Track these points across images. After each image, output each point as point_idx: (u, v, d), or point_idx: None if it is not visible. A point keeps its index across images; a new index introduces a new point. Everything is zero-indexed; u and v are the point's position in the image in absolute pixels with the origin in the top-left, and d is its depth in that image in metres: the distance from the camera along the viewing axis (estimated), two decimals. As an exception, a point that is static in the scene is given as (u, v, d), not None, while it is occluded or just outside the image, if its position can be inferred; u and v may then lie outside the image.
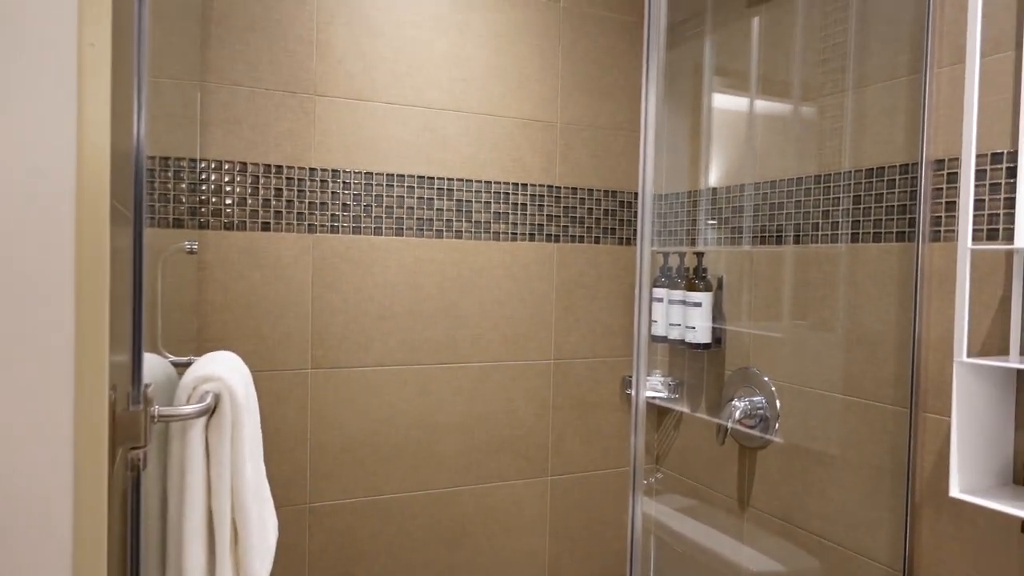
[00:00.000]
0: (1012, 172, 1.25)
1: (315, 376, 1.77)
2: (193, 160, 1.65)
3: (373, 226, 1.82)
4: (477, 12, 1.90)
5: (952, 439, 1.21)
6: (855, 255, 1.55)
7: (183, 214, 1.64)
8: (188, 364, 1.30)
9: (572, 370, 2.08)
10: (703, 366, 2.03)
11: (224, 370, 1.09)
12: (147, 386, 0.86)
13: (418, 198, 1.86)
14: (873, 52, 1.51)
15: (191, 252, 1.42)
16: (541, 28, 1.98)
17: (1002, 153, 1.27)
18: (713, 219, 1.99)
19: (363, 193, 1.80)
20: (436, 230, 1.89)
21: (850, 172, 1.56)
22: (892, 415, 1.47)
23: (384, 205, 1.83)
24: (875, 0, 1.51)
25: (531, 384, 2.02)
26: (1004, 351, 1.26)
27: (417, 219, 1.86)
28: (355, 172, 1.80)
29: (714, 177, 1.98)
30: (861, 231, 1.54)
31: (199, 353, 1.63)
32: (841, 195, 1.58)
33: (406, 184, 1.85)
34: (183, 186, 1.65)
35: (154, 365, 1.10)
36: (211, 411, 1.05)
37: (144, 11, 0.80)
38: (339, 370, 1.79)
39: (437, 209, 1.89)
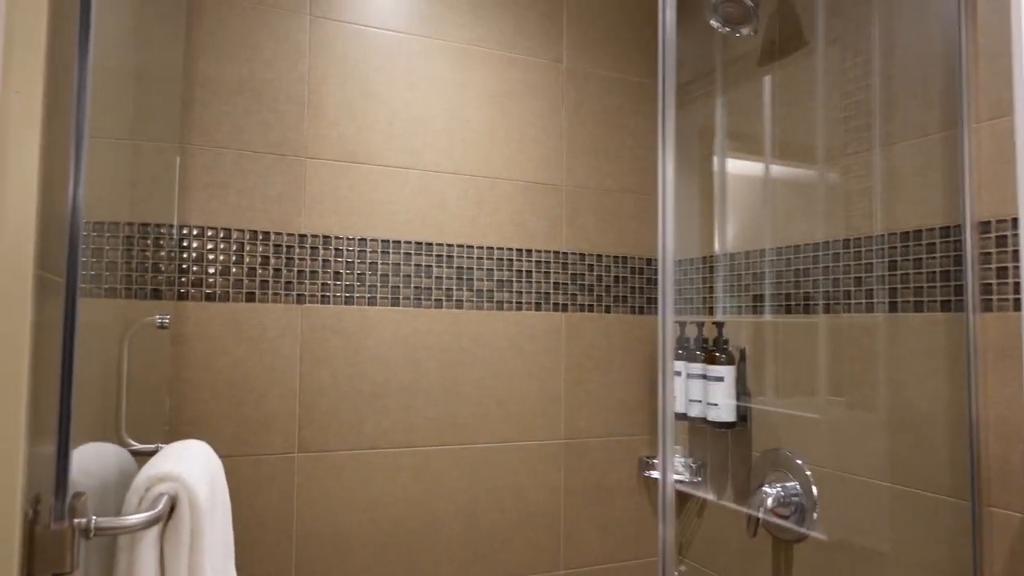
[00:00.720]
0: (1074, 234, 1.12)
1: (302, 461, 1.61)
2: (173, 226, 1.53)
3: (367, 296, 1.69)
4: (476, 72, 1.82)
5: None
6: (895, 326, 1.41)
7: (161, 284, 1.52)
8: (154, 452, 1.15)
9: (585, 451, 1.91)
10: (727, 447, 1.86)
11: (184, 468, 0.93)
12: (78, 495, 0.71)
13: (415, 265, 1.74)
14: (900, 108, 1.41)
15: (162, 327, 1.29)
16: (543, 88, 1.90)
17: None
18: (732, 286, 1.85)
19: (356, 261, 1.68)
20: (435, 299, 1.76)
21: (883, 236, 1.44)
22: (951, 508, 1.29)
23: (379, 273, 1.70)
24: (899, 55, 1.41)
25: (540, 466, 1.85)
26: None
27: (414, 288, 1.74)
28: (348, 238, 1.68)
29: (731, 242, 1.86)
30: (900, 299, 1.40)
31: (171, 439, 1.47)
32: (874, 260, 1.45)
33: (402, 251, 1.73)
34: (162, 254, 1.53)
35: (107, 459, 0.95)
36: (166, 518, 0.90)
37: (87, 60, 0.69)
38: (328, 454, 1.63)
39: (436, 277, 1.76)
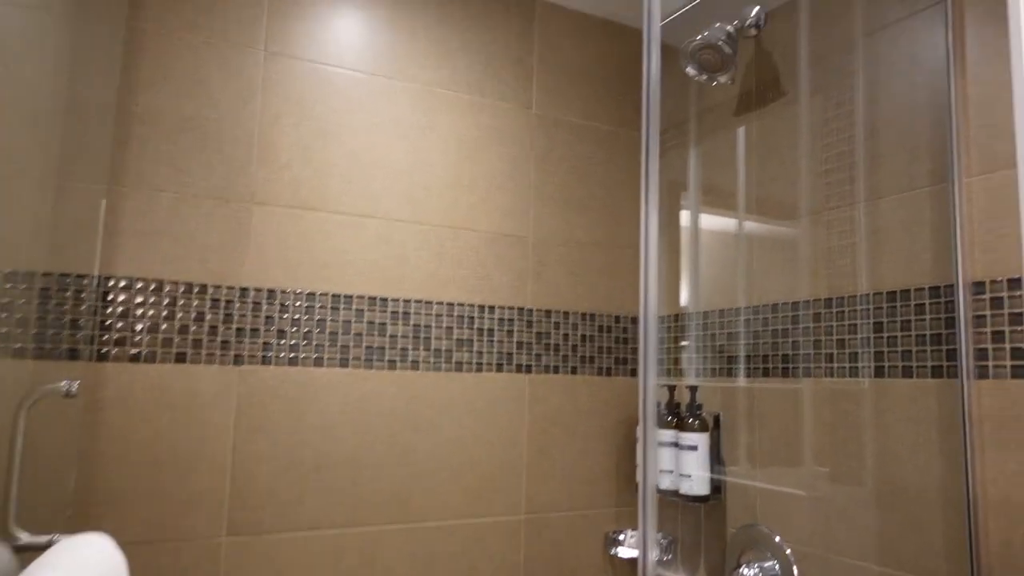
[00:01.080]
0: (1075, 297, 1.05)
1: (231, 546, 1.42)
2: (95, 277, 1.37)
3: (313, 356, 1.54)
4: (441, 116, 1.73)
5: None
6: (882, 392, 1.32)
7: (79, 342, 1.35)
8: (47, 546, 0.97)
9: (547, 527, 1.76)
10: (700, 522, 1.73)
11: None
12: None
13: (368, 323, 1.60)
14: (885, 161, 1.35)
15: (68, 395, 1.12)
16: (511, 135, 1.81)
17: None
18: (705, 347, 1.76)
19: (303, 317, 1.54)
20: (388, 360, 1.61)
21: (868, 295, 1.36)
22: (952, 595, 1.18)
23: (327, 331, 1.56)
24: (884, 105, 1.36)
25: (498, 546, 1.69)
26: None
27: (366, 347, 1.59)
28: (295, 292, 1.54)
29: (703, 300, 1.77)
30: (887, 363, 1.32)
31: (76, 524, 1.28)
32: (859, 321, 1.37)
33: (354, 306, 1.59)
34: (82, 308, 1.36)
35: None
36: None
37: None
38: (261, 537, 1.45)
39: (390, 336, 1.62)
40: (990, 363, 1.16)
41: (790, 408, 1.51)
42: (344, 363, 1.56)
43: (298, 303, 1.53)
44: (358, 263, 1.60)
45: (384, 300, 1.62)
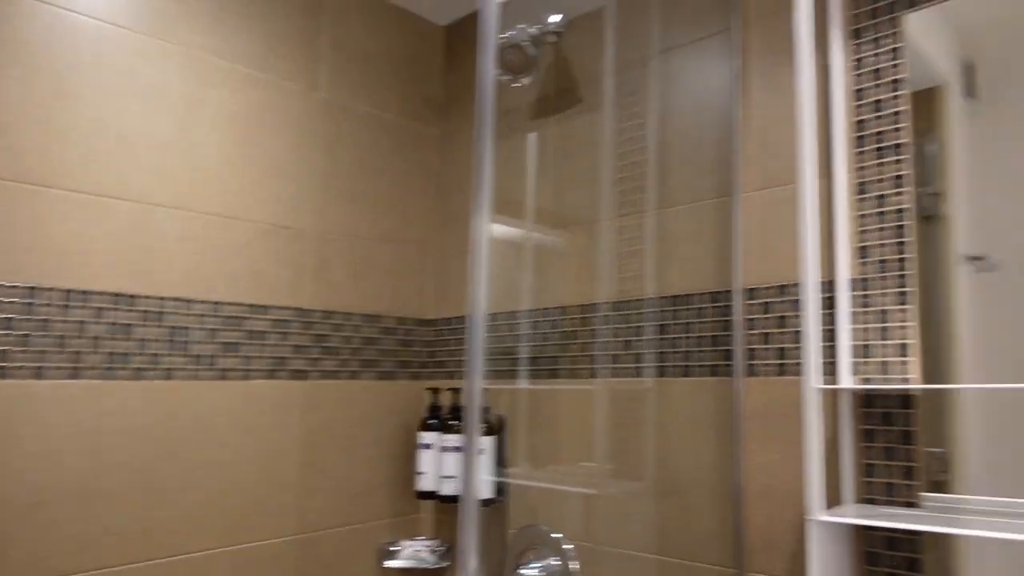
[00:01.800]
0: (829, 303, 1.19)
1: (-98, 618, 1.07)
2: None
3: (31, 365, 1.22)
4: (213, 89, 1.49)
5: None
6: (664, 391, 1.40)
7: None
8: None
9: (317, 546, 1.60)
10: (483, 526, 1.70)
11: None
12: None
13: (110, 324, 1.32)
14: (675, 173, 1.43)
15: None
16: (294, 118, 1.62)
17: (792, 285, 1.22)
18: (492, 349, 1.73)
19: (20, 317, 1.21)
20: (134, 368, 1.34)
21: (654, 299, 1.43)
22: (721, 578, 1.28)
23: (53, 334, 1.25)
24: (676, 120, 1.44)
25: (262, 573, 1.50)
26: (834, 501, 1.15)
27: (107, 354, 1.31)
28: (10, 286, 1.21)
29: (492, 301, 1.75)
30: (670, 364, 1.39)
31: None
32: (645, 324, 1.44)
33: (93, 304, 1.30)
34: None
35: None
36: None
37: None
38: (-48, 601, 1.11)
39: (139, 339, 1.35)
40: (758, 362, 1.27)
41: (576, 409, 1.54)
42: (74, 374, 1.27)
43: (13, 299, 1.21)
44: (102, 253, 1.31)
45: (132, 297, 1.35)
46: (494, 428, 1.67)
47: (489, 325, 1.74)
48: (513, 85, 1.65)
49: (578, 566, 1.50)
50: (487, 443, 1.64)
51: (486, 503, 1.63)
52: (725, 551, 1.28)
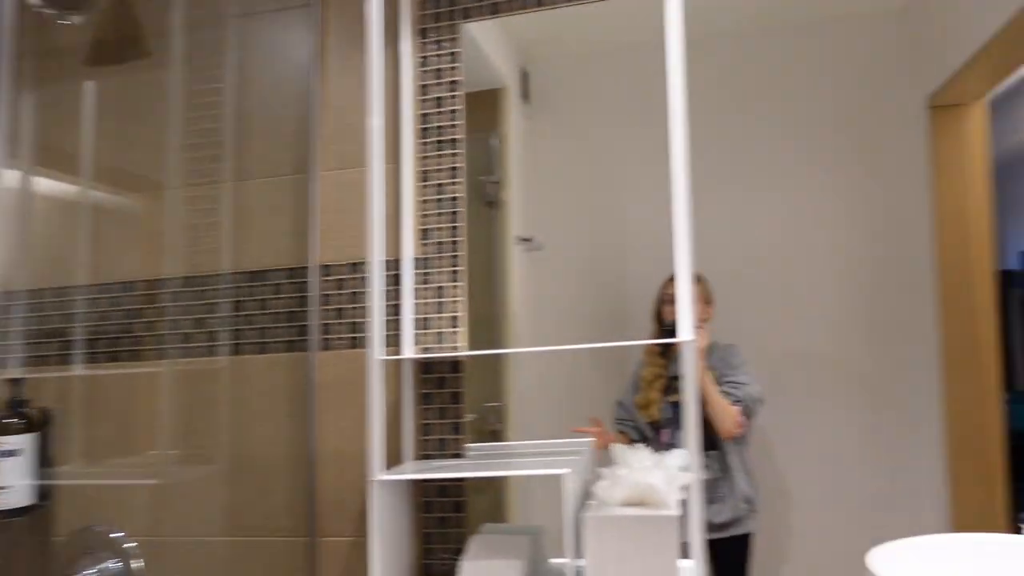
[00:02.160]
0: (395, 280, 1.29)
1: None
2: None
3: None
4: None
5: (374, 569, 1.10)
6: (239, 369, 1.36)
7: None
8: None
9: None
10: (19, 538, 1.45)
11: None
12: None
13: None
14: (253, 145, 1.39)
15: None
16: None
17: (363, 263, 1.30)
18: (33, 331, 1.48)
19: None
20: None
21: (229, 275, 1.38)
22: (290, 547, 1.30)
23: None
24: (255, 90, 1.39)
25: None
26: (397, 460, 1.26)
27: None
28: None
29: (34, 275, 1.49)
30: (245, 341, 1.36)
31: None
32: (220, 300, 1.37)
33: None
34: None
35: None
36: None
37: None
38: None
39: None
40: (332, 336, 1.32)
41: (140, 394, 1.41)
42: None
43: None
44: None
45: None
46: (35, 424, 1.43)
47: (31, 303, 1.48)
48: (60, 22, 1.41)
49: (142, 563, 1.38)
50: (23, 443, 1.39)
51: (22, 512, 1.39)
52: (300, 520, 1.30)
